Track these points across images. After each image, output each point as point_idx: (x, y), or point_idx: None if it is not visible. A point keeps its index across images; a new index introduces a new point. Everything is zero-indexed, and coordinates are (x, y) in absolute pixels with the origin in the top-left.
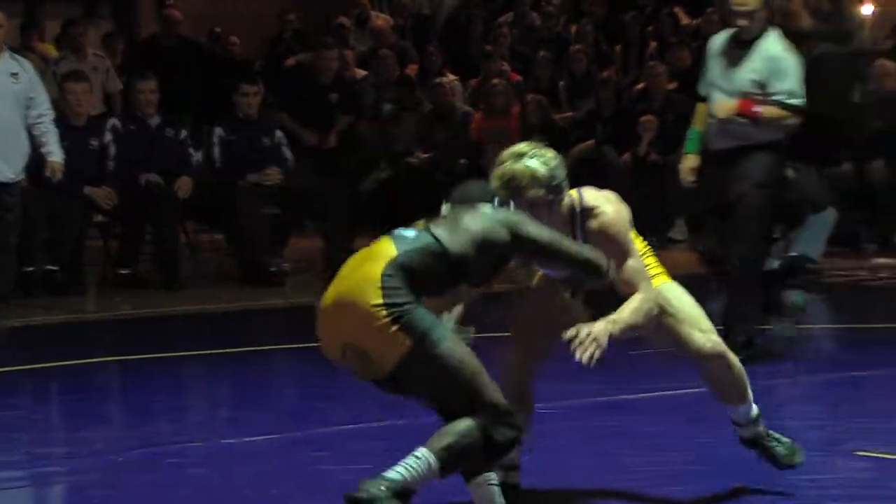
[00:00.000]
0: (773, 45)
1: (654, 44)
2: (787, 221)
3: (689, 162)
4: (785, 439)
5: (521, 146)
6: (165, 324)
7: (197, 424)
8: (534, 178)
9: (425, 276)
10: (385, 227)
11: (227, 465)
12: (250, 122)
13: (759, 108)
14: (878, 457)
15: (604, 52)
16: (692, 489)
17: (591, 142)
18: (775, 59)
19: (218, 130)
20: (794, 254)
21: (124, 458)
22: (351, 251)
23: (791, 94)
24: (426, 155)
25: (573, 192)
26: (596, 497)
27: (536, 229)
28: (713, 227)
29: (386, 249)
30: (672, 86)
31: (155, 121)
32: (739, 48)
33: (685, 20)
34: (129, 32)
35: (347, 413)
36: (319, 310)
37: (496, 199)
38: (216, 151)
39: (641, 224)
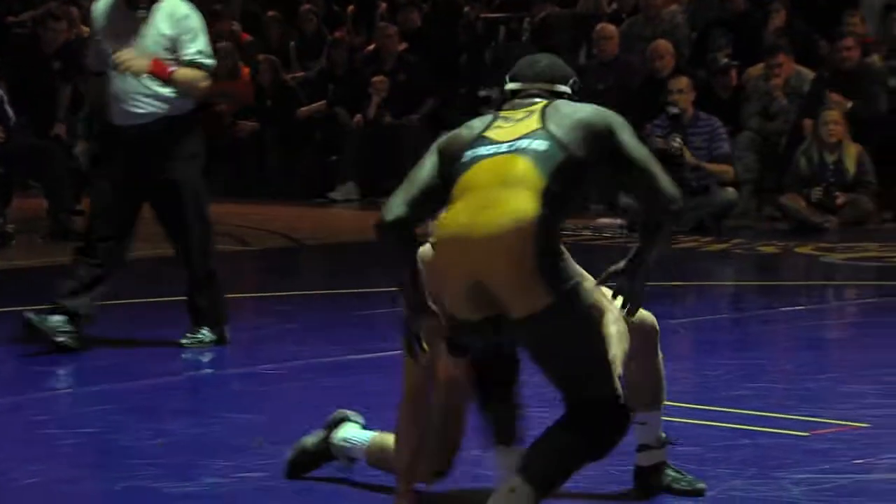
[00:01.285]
0: (178, 6)
1: (384, 4)
2: None
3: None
4: (688, 476)
5: None
6: None
7: None
8: None
9: (569, 201)
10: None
11: None
12: None
13: (172, 69)
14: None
15: (334, 12)
16: None
17: (322, 102)
18: (185, 19)
19: None
20: None
21: None
22: (78, 212)
23: (203, 54)
24: None
25: None
26: None
27: (634, 138)
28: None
29: (527, 172)
30: (403, 47)
31: None
32: (136, 11)
33: None
34: None
35: (66, 378)
36: (448, 235)
37: (573, 80)
38: None
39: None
